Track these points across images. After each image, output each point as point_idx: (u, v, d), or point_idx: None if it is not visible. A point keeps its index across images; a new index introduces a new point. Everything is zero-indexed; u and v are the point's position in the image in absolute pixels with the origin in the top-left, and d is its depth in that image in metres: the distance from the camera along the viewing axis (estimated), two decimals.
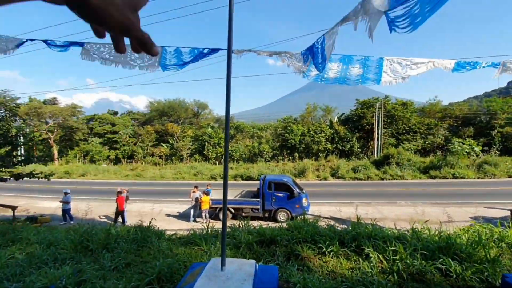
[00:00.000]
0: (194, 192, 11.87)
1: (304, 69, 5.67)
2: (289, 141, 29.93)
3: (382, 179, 21.77)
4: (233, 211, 11.54)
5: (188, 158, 32.30)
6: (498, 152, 26.20)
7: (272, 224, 8.57)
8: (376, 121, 27.92)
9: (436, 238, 4.93)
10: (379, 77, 5.56)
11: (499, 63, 6.09)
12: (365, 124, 29.82)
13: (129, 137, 36.75)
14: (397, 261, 4.06)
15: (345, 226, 6.29)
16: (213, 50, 5.15)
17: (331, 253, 4.52)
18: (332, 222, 7.10)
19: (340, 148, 29.33)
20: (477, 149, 25.24)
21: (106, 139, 36.90)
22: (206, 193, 11.47)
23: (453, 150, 24.46)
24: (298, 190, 11.49)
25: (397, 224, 6.50)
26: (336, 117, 34.43)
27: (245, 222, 6.47)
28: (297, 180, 22.71)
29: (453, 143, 25.54)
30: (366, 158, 27.65)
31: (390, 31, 2.04)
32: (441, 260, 4.14)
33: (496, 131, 27.62)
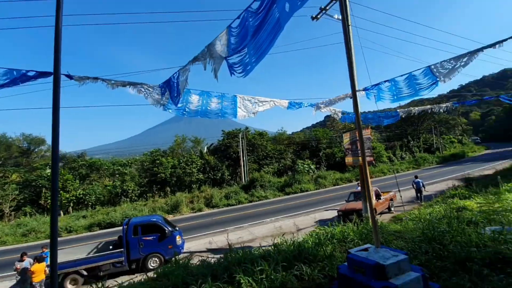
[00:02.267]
0: (22, 261, 8.51)
1: (164, 102, 5.54)
2: (158, 175, 27.89)
3: (251, 201, 23.95)
4: (85, 273, 9.08)
5: (13, 213, 23.41)
6: (325, 168, 35.15)
7: (140, 277, 7.34)
8: (241, 149, 31.08)
9: (292, 247, 5.77)
10: (235, 112, 6.24)
11: (315, 104, 8.33)
12: (232, 153, 32.47)
13: None
14: (264, 279, 4.38)
15: (220, 256, 6.28)
16: (42, 74, 4.15)
17: None
18: (206, 256, 6.93)
19: (212, 177, 30.23)
20: (312, 167, 32.78)
21: None
22: (40, 259, 8.45)
23: (298, 170, 30.66)
24: (170, 228, 10.59)
25: (264, 241, 7.19)
26: (205, 148, 35.63)
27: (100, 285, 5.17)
28: (171, 217, 21.18)
29: (298, 164, 32.10)
30: (236, 184, 29.77)
31: (230, 74, 2.33)
32: (296, 266, 4.83)
33: (322, 152, 37.17)
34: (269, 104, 6.60)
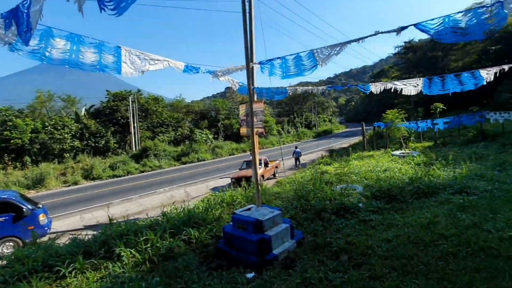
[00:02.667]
0: None
1: (11, 40, 4.08)
2: (12, 141, 21.40)
3: (142, 171, 22.17)
4: None
5: None
6: (223, 138, 36.25)
7: None
8: (131, 114, 27.60)
9: (181, 214, 5.76)
10: (118, 66, 5.30)
11: (213, 71, 8.14)
12: (119, 118, 28.42)
13: None
14: (148, 248, 4.21)
15: (98, 232, 5.57)
16: None
17: (74, 271, 3.75)
18: (81, 233, 6.00)
19: (93, 145, 25.81)
20: (210, 137, 33.13)
21: None
22: None
23: (196, 139, 30.29)
24: (29, 206, 8.51)
25: (155, 211, 6.84)
26: (83, 110, 29.64)
27: None
28: (33, 192, 17.04)
29: (196, 133, 31.62)
30: (124, 153, 26.63)
31: (100, 10, 1.86)
32: (184, 232, 4.88)
33: (220, 123, 37.89)
34: (162, 64, 5.94)
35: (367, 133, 21.49)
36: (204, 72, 7.55)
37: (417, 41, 47.08)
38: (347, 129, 61.62)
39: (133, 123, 27.66)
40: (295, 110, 56.55)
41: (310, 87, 11.77)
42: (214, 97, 79.50)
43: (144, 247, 4.29)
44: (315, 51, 6.66)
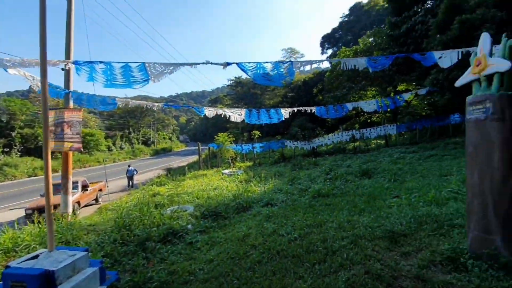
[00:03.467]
0: None
1: None
2: None
3: None
4: None
5: None
6: (19, 153, 26.25)
7: None
8: None
9: None
10: None
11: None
12: None
13: None
14: None
15: None
16: None
17: None
18: None
19: None
20: None
21: None
22: None
23: None
24: None
25: None
26: None
27: None
28: None
29: None
30: None
31: None
32: None
33: (16, 132, 27.41)
34: None
35: (203, 153, 22.88)
36: None
37: (244, 78, 57.41)
38: (187, 148, 63.18)
39: None
40: (131, 124, 51.37)
41: (145, 102, 10.97)
42: (9, 95, 57.55)
43: None
44: (147, 64, 6.24)
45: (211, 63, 6.74)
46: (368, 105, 16.80)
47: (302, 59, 17.54)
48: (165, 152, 49.51)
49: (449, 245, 3.39)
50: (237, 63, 6.67)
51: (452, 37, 11.28)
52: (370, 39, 25.12)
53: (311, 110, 15.22)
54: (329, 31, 60.50)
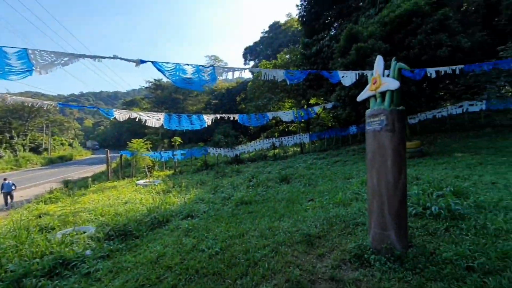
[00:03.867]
0: None
1: None
2: None
3: None
4: None
5: None
6: None
7: None
8: None
9: None
10: None
11: None
12: None
13: None
14: None
15: None
16: None
17: None
18: None
19: None
20: None
21: None
22: None
23: None
24: None
25: None
26: None
27: None
28: None
29: None
30: None
31: None
32: None
33: None
34: None
35: (114, 161, 20.02)
36: None
37: (165, 81, 54.17)
38: (93, 156, 54.54)
39: None
40: (15, 127, 41.04)
41: (30, 100, 8.73)
42: None
43: None
44: (31, 51, 4.98)
45: (121, 59, 5.87)
46: (286, 115, 18.17)
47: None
48: (63, 161, 41.26)
49: (355, 243, 3.75)
50: (153, 62, 6.01)
51: (351, 61, 13.37)
52: (287, 56, 27.56)
53: (234, 117, 15.34)
54: (251, 44, 63.70)
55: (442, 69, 11.07)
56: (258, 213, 6.33)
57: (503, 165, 7.61)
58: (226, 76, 7.32)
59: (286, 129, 30.38)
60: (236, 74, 7.12)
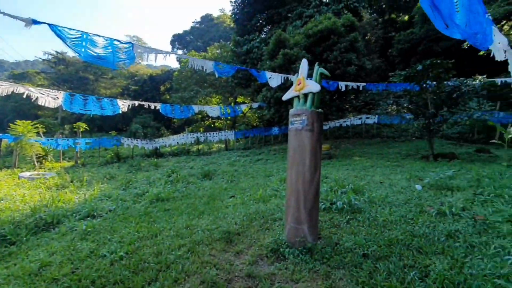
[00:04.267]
0: None
1: None
2: None
3: None
4: None
5: None
6: None
7: None
8: None
9: None
10: None
11: None
12: None
13: None
14: None
15: None
16: None
17: None
18: None
19: None
20: None
21: None
22: None
23: None
24: None
25: None
26: None
27: None
28: None
29: None
30: None
31: None
32: None
33: None
34: None
35: None
36: None
37: (72, 56, 45.50)
38: None
39: None
40: None
41: None
42: None
43: None
44: None
45: (4, 14, 4.46)
46: (213, 110, 17.80)
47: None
48: None
49: (272, 237, 3.84)
50: (50, 24, 4.79)
51: (278, 64, 14.11)
52: (217, 51, 27.13)
53: (156, 107, 14.03)
54: (180, 32, 60.16)
55: (350, 84, 12.83)
56: (175, 210, 5.87)
57: (388, 168, 9.34)
58: (148, 58, 6.52)
59: (212, 125, 29.94)
60: (160, 58, 6.48)
